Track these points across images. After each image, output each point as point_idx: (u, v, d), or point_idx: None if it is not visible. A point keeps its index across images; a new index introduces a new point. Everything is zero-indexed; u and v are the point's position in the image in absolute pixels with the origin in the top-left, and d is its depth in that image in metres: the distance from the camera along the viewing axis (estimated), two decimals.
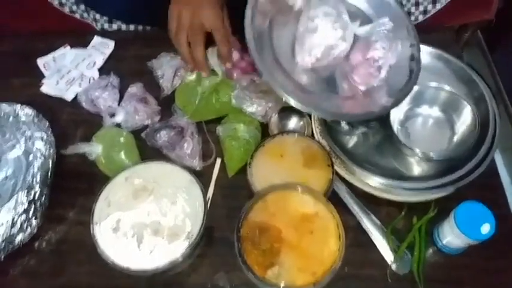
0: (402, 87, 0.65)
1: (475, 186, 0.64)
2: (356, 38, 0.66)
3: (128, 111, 0.74)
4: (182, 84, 0.79)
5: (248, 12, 0.63)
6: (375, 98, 0.64)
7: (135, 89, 0.77)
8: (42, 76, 0.83)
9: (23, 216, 0.62)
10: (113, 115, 0.76)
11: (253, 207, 0.57)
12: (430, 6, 0.99)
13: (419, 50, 0.68)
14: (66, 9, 1.03)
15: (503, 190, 0.70)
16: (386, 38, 0.64)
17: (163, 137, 0.73)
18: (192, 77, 0.77)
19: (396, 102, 0.64)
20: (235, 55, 0.76)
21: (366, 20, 0.70)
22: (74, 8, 1.02)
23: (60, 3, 1.02)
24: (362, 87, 0.65)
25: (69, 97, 0.80)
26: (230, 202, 0.70)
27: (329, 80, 0.66)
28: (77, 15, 1.03)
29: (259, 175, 0.64)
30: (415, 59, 0.68)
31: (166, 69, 0.80)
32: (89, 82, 0.81)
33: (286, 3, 0.68)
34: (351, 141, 0.72)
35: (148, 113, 0.75)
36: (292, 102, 0.60)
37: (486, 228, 0.57)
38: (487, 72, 1.28)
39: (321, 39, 0.64)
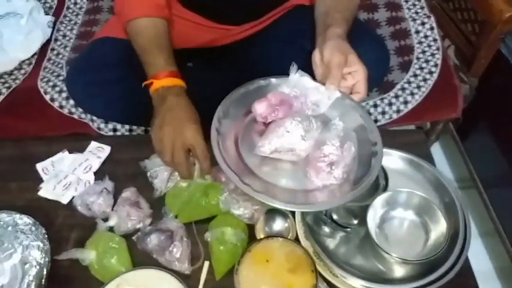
0: (362, 182, 0.68)
1: (452, 285, 0.68)
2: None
3: (121, 216, 0.78)
4: (174, 186, 0.84)
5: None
6: (333, 192, 0.69)
7: (128, 193, 0.81)
8: (40, 180, 0.88)
9: None
10: (106, 219, 0.79)
11: None
12: (402, 106, 1.09)
13: (381, 147, 0.72)
14: (66, 111, 1.11)
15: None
16: (337, 137, 0.69)
17: (153, 240, 0.76)
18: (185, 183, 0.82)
19: (354, 195, 0.67)
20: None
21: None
22: (73, 110, 1.10)
23: (60, 106, 1.11)
24: (319, 183, 0.69)
25: (65, 201, 0.84)
26: None
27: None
28: (75, 116, 1.11)
29: (246, 281, 0.67)
30: (376, 155, 0.71)
31: (160, 170, 0.85)
32: (85, 186, 0.85)
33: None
34: (333, 242, 0.76)
35: (141, 217, 0.79)
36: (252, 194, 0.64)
37: None
38: (461, 160, 1.36)
39: (284, 136, 0.69)
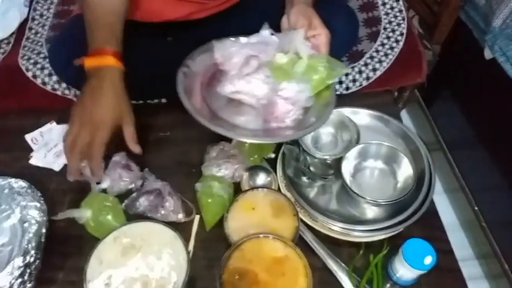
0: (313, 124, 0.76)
1: (419, 225, 0.76)
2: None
3: (113, 178, 0.82)
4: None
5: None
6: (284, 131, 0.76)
7: (118, 157, 0.85)
8: (30, 150, 0.91)
9: (19, 280, 0.68)
10: (98, 182, 0.83)
11: (232, 255, 0.65)
12: (371, 73, 1.16)
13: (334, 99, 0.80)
14: (49, 87, 1.13)
15: (443, 228, 0.82)
16: (295, 81, 0.76)
17: (143, 202, 0.80)
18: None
19: (306, 133, 0.77)
20: None
21: None
22: (56, 86, 1.12)
23: (43, 83, 1.13)
24: (276, 124, 0.77)
25: (57, 168, 0.88)
26: (209, 254, 0.78)
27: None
28: (59, 92, 1.13)
29: (235, 227, 0.73)
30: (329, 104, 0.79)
31: None
32: None
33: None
34: (312, 192, 0.83)
35: (132, 178, 0.83)
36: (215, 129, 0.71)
37: (428, 260, 0.68)
38: (427, 125, 1.46)
39: (244, 81, 0.77)
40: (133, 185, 0.83)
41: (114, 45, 0.80)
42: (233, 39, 0.86)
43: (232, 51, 0.81)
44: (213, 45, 0.85)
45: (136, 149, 0.77)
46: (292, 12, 0.82)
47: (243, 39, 0.85)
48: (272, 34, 0.84)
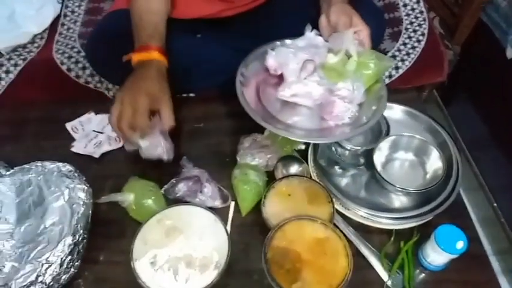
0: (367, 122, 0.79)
1: (447, 214, 0.79)
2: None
3: (152, 141, 0.81)
4: None
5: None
6: (341, 129, 0.79)
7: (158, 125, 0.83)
8: (70, 138, 0.95)
9: (69, 258, 0.71)
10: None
11: (274, 236, 0.69)
12: (394, 72, 1.19)
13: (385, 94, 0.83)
14: (82, 81, 1.17)
15: (470, 217, 0.85)
16: (349, 80, 0.79)
17: (182, 188, 0.84)
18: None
19: (359, 131, 0.79)
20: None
21: None
22: (89, 79, 1.17)
23: (77, 76, 1.17)
24: (334, 122, 0.80)
25: (97, 155, 0.92)
26: (245, 238, 0.81)
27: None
28: (91, 86, 1.17)
29: (272, 212, 0.76)
30: (381, 99, 0.82)
31: None
32: (116, 141, 0.93)
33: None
34: (343, 182, 0.87)
35: (167, 148, 0.83)
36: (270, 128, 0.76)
37: (460, 245, 0.71)
38: (445, 124, 1.48)
39: (302, 81, 0.80)
40: (166, 156, 0.83)
41: (158, 42, 0.86)
42: (279, 43, 0.90)
43: (288, 57, 0.84)
44: (265, 50, 0.88)
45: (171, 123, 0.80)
46: (332, 11, 0.86)
47: (289, 42, 0.88)
48: (317, 34, 0.87)
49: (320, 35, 0.87)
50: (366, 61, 0.81)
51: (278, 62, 0.84)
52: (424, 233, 0.78)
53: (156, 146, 0.82)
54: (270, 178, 0.87)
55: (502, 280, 1.25)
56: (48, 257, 0.70)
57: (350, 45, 0.81)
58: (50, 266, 0.69)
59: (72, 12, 1.34)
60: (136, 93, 0.78)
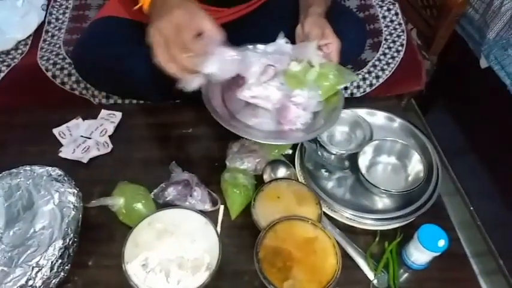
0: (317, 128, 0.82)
1: (428, 216, 0.83)
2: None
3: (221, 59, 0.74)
4: None
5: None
6: (296, 134, 0.82)
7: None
8: (57, 143, 0.95)
9: (59, 261, 0.71)
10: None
11: (266, 235, 0.71)
12: (374, 80, 1.24)
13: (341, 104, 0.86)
14: (67, 87, 1.17)
15: (450, 218, 0.89)
16: (308, 90, 0.82)
17: (171, 193, 0.85)
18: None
19: (316, 134, 0.83)
20: None
21: None
22: (75, 86, 1.17)
23: (62, 82, 1.17)
24: (288, 126, 0.82)
25: (85, 160, 0.92)
26: (235, 240, 0.82)
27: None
28: (76, 92, 1.17)
29: (262, 213, 0.78)
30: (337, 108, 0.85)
31: None
32: (104, 147, 0.93)
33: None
34: (329, 184, 0.89)
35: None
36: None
37: (442, 243, 0.74)
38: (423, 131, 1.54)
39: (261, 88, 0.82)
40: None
41: None
42: (251, 46, 0.92)
43: (252, 61, 0.86)
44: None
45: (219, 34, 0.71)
46: (306, 22, 0.89)
47: (260, 47, 0.91)
48: (287, 43, 0.90)
49: (290, 43, 0.89)
50: (327, 72, 0.84)
51: (243, 63, 0.82)
52: (407, 233, 0.82)
53: (225, 61, 0.74)
54: (259, 182, 0.89)
55: (481, 282, 1.29)
56: (38, 261, 0.69)
57: (313, 56, 0.84)
58: (40, 270, 0.69)
59: (57, 19, 1.34)
60: (171, 14, 0.67)
